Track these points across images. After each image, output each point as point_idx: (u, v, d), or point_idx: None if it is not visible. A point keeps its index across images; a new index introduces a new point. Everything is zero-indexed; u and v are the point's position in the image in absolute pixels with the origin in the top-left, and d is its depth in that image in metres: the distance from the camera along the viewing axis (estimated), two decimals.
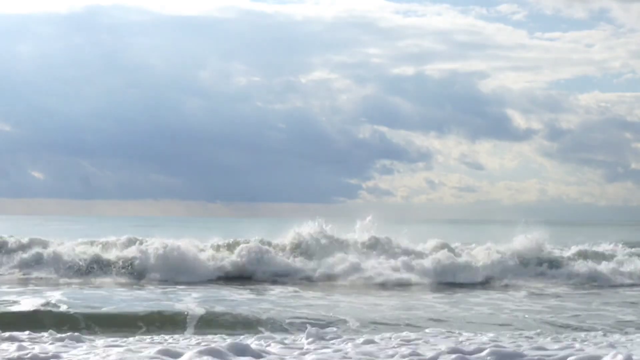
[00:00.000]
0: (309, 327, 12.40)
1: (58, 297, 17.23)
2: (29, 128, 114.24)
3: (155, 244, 24.88)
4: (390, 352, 10.42)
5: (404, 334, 12.76)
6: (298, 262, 25.24)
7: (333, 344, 11.33)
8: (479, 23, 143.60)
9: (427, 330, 13.48)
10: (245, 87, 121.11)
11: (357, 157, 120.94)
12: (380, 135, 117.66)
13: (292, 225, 26.73)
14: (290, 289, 21.45)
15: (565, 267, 26.35)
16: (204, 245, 26.35)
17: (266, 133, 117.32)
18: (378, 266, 24.66)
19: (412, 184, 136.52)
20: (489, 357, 9.78)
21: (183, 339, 12.28)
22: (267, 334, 13.41)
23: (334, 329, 13.72)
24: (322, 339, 11.70)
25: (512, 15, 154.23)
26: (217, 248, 26.20)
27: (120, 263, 24.14)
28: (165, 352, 9.77)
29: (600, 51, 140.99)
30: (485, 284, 24.57)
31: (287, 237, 26.90)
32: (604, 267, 26.37)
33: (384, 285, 23.17)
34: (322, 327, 13.09)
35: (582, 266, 26.26)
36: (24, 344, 10.78)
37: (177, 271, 23.65)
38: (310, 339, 11.54)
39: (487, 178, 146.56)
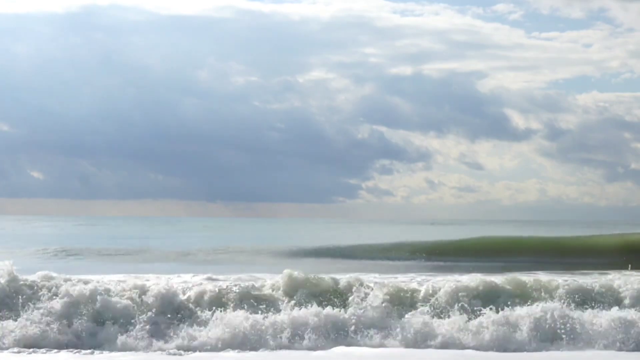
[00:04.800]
0: None
1: None
2: (27, 128, 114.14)
3: None
4: None
5: None
6: None
7: None
8: (477, 23, 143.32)
9: None
10: (243, 86, 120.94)
11: (356, 157, 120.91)
12: (379, 135, 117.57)
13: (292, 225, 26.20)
14: None
15: None
16: None
17: (265, 133, 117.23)
18: None
19: (412, 184, 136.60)
20: None
21: None
22: None
23: None
24: None
25: (509, 15, 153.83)
26: None
27: None
28: None
29: (599, 51, 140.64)
30: None
31: None
32: None
33: None
34: None
35: None
36: None
37: None
38: None
39: (487, 178, 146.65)
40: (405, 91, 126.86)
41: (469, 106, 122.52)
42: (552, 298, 14.68)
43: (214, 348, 13.03)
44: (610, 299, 14.87)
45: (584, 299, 14.78)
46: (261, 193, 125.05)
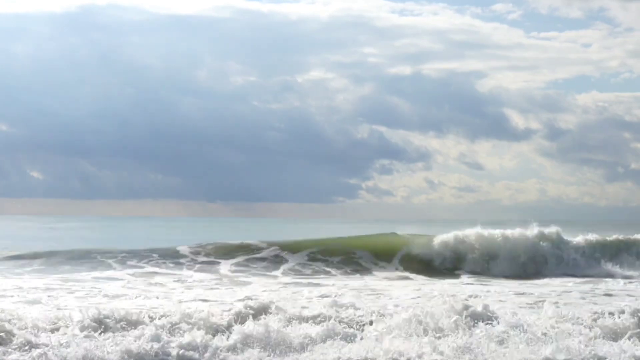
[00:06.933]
0: None
1: None
2: (26, 128, 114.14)
3: None
4: None
5: None
6: None
7: None
8: (476, 22, 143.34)
9: None
10: (241, 86, 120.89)
11: (356, 157, 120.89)
12: (379, 135, 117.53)
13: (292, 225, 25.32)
14: None
15: None
16: None
17: (265, 133, 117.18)
18: None
19: (412, 184, 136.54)
20: None
21: None
22: None
23: None
24: None
25: (508, 15, 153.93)
26: None
27: None
28: None
29: (598, 51, 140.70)
30: None
31: None
32: None
33: None
34: None
35: None
36: None
37: None
38: None
39: (487, 178, 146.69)
40: (405, 91, 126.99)
41: (469, 106, 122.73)
42: None
43: None
44: None
45: None
46: (261, 193, 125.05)
